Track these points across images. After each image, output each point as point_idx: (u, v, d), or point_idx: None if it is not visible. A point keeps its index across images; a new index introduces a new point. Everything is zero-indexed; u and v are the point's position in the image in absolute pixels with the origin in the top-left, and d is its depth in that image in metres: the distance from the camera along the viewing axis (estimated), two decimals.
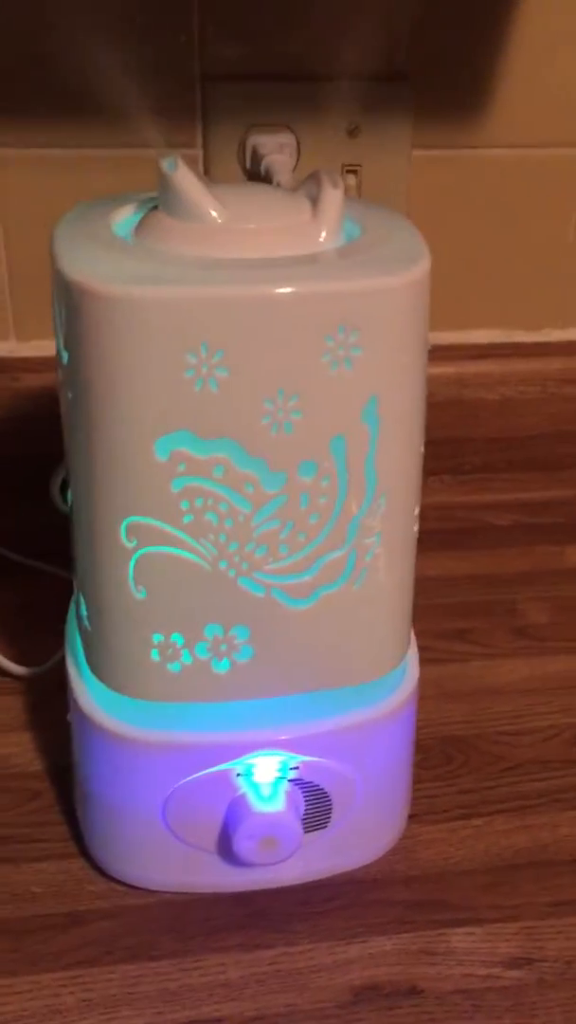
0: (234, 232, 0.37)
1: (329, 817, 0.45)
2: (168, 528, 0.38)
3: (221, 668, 0.40)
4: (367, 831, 0.46)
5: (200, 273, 0.36)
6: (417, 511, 0.42)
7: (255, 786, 0.43)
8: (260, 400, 0.36)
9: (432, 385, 0.70)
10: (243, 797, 0.42)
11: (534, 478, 0.74)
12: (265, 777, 0.43)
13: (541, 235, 0.71)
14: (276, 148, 0.64)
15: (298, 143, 0.64)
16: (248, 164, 0.64)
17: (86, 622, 0.42)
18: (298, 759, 0.43)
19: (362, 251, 0.38)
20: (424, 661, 0.49)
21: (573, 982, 0.43)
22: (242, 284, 0.35)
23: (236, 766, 0.42)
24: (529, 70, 0.66)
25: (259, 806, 0.42)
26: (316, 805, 0.44)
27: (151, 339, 0.35)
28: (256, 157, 0.63)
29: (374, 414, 0.38)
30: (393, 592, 0.42)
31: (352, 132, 0.65)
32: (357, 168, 0.66)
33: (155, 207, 0.39)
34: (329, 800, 0.44)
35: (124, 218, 0.41)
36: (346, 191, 0.66)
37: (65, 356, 0.38)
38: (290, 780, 0.43)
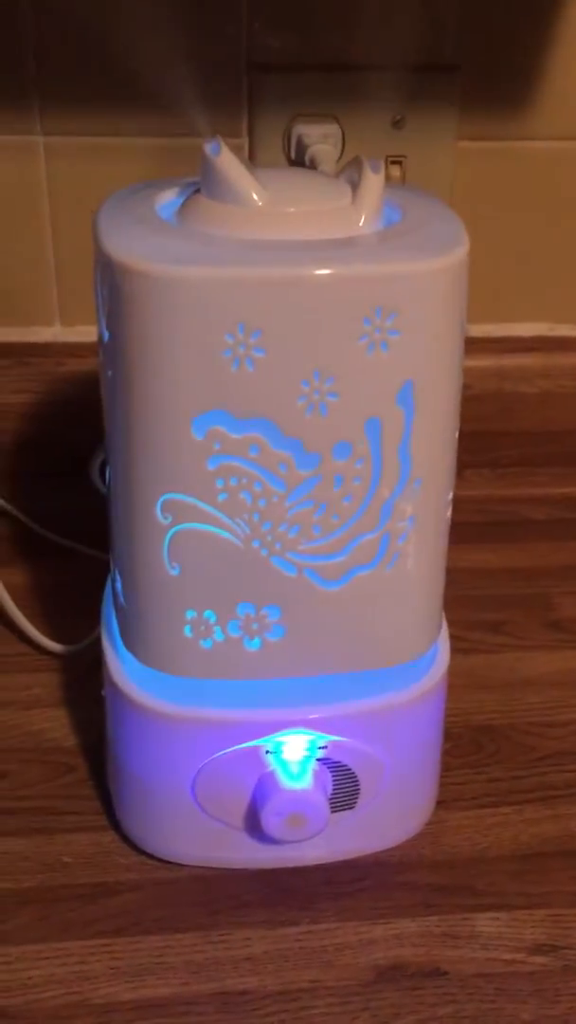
0: (274, 215, 0.38)
1: (357, 798, 0.45)
2: (203, 505, 0.39)
3: (252, 646, 0.41)
4: (394, 814, 0.47)
5: (239, 254, 0.36)
6: (451, 496, 0.42)
7: (284, 763, 0.43)
8: (296, 381, 0.37)
9: (472, 378, 0.71)
10: (272, 774, 0.43)
11: (572, 473, 0.73)
12: (294, 755, 0.43)
13: None
14: (321, 138, 0.64)
15: (343, 134, 0.65)
16: (293, 154, 0.65)
17: (121, 598, 0.43)
18: (327, 739, 0.43)
19: (401, 235, 0.39)
20: (457, 651, 0.49)
21: None
22: (280, 265, 0.36)
23: (265, 743, 0.43)
24: None
25: (287, 783, 0.43)
26: (344, 785, 0.44)
27: (189, 318, 0.36)
28: (301, 147, 0.64)
29: (409, 398, 0.38)
30: (425, 576, 0.42)
31: (397, 123, 0.65)
32: (402, 159, 0.66)
33: (197, 190, 0.40)
34: (357, 781, 0.45)
35: (167, 201, 0.41)
36: (390, 181, 0.66)
37: (106, 335, 0.39)
38: (318, 759, 0.44)
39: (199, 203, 0.39)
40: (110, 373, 0.39)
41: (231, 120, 0.65)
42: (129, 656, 0.43)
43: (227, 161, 0.38)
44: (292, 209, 0.38)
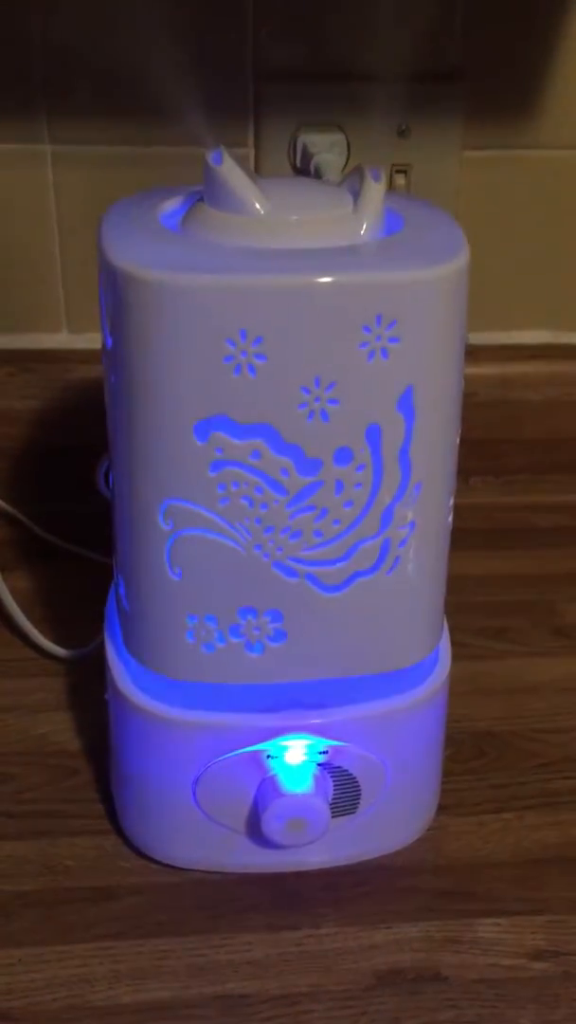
0: (276, 223, 0.38)
1: (358, 803, 0.45)
2: (204, 511, 0.39)
3: (254, 651, 0.41)
4: (396, 819, 0.47)
5: (240, 262, 0.37)
6: (451, 502, 0.43)
7: (285, 768, 0.43)
8: (297, 387, 0.37)
9: (476, 385, 0.71)
10: (273, 778, 0.43)
11: None
12: (295, 760, 0.43)
13: None
14: (326, 147, 0.64)
15: (348, 143, 0.65)
16: (298, 163, 0.65)
17: (124, 603, 0.43)
18: (328, 743, 0.43)
19: (402, 243, 0.39)
20: (461, 657, 0.49)
21: None
22: (281, 273, 0.36)
23: (266, 748, 0.43)
24: None
25: (288, 788, 0.43)
26: (345, 790, 0.45)
27: (191, 325, 0.36)
28: (306, 156, 0.64)
29: (409, 404, 0.38)
30: (426, 581, 0.42)
31: (402, 132, 0.65)
32: (407, 168, 0.67)
33: (201, 199, 0.40)
34: (358, 786, 0.45)
35: (170, 209, 0.42)
36: (395, 190, 0.67)
37: (109, 342, 0.39)
38: (319, 764, 0.44)
39: (202, 211, 0.39)
40: (113, 379, 0.39)
41: (237, 129, 0.65)
42: (132, 660, 0.44)
43: (229, 170, 0.39)
44: (294, 217, 0.39)
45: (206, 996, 0.42)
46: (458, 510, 0.44)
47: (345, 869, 0.47)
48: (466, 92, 0.65)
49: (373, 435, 0.38)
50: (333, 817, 0.44)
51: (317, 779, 0.43)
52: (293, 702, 0.43)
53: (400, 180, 0.67)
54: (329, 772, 0.44)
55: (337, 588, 0.40)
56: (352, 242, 0.39)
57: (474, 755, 0.53)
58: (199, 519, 0.39)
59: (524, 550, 0.68)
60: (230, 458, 0.38)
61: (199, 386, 0.37)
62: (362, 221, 0.39)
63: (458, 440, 0.42)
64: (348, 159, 0.65)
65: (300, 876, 0.46)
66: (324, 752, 0.44)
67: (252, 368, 0.37)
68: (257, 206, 0.38)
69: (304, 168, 0.65)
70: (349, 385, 0.37)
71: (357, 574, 0.40)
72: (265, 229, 0.38)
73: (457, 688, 0.48)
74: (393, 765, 0.45)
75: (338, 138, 0.65)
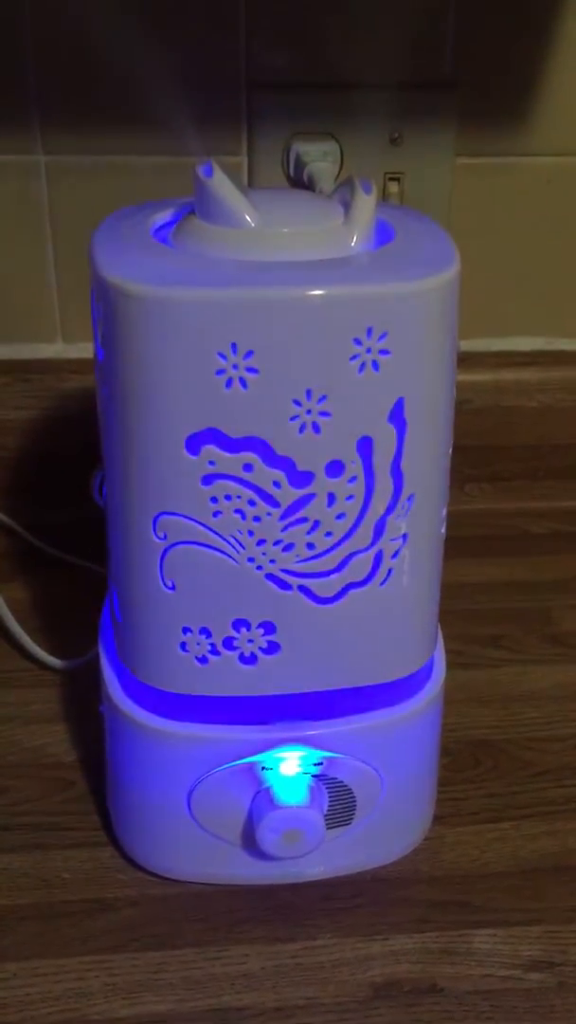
0: (267, 236, 0.38)
1: (353, 814, 0.45)
2: (197, 524, 0.39)
3: (247, 663, 0.41)
4: (391, 830, 0.47)
5: (231, 275, 0.37)
6: (444, 512, 0.43)
7: (280, 780, 0.43)
8: (288, 400, 0.37)
9: (470, 392, 0.71)
10: (268, 790, 0.43)
11: (572, 487, 0.73)
12: (290, 772, 0.43)
13: None
14: (320, 156, 0.64)
15: (341, 151, 0.65)
16: (292, 171, 0.65)
17: (117, 614, 0.43)
18: (323, 755, 0.43)
19: (392, 255, 0.39)
20: (456, 665, 0.49)
21: None
22: (272, 286, 0.36)
23: (261, 760, 0.43)
24: (574, 77, 0.66)
25: (283, 800, 0.43)
26: (340, 801, 0.45)
27: (182, 338, 0.36)
28: (299, 164, 0.64)
29: (401, 416, 0.38)
30: (419, 592, 0.42)
31: (395, 140, 0.65)
32: (400, 176, 0.67)
33: (192, 211, 0.40)
34: (353, 797, 0.45)
35: (161, 222, 0.42)
36: (389, 199, 0.67)
37: (101, 354, 0.39)
38: (314, 776, 0.44)
39: (193, 224, 0.40)
40: (105, 392, 0.39)
41: (230, 138, 0.65)
42: (126, 672, 0.44)
43: (220, 183, 0.39)
44: (285, 230, 0.39)
45: (202, 1009, 0.42)
46: (452, 517, 0.44)
47: (341, 880, 0.47)
48: (459, 100, 0.65)
49: (365, 447, 0.38)
50: (328, 829, 0.44)
51: (312, 791, 0.43)
52: (287, 714, 0.43)
53: (393, 188, 0.67)
54: (324, 784, 0.44)
55: (330, 600, 0.40)
56: (343, 254, 0.39)
57: (470, 764, 0.53)
58: (192, 532, 0.39)
59: (518, 557, 0.68)
60: (222, 471, 0.38)
61: (191, 399, 0.37)
62: (353, 233, 0.39)
63: (451, 451, 0.42)
64: (341, 167, 0.65)
65: (296, 888, 0.46)
66: (319, 764, 0.44)
67: (243, 381, 0.37)
68: (248, 219, 0.38)
69: (297, 177, 0.65)
70: (340, 397, 0.37)
71: (350, 586, 0.40)
72: (256, 242, 0.38)
73: (452, 696, 0.48)
74: (389, 776, 0.45)
75: (331, 147, 0.65)
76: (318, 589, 0.40)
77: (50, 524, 0.67)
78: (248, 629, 0.41)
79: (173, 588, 0.40)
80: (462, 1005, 0.42)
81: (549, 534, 0.70)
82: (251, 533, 0.39)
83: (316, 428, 0.38)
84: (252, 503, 0.38)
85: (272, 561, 0.39)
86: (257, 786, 0.43)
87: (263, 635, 0.41)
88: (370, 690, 0.43)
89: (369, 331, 0.36)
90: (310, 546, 0.39)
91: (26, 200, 0.66)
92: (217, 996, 0.42)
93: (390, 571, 0.41)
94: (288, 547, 0.39)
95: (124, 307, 0.36)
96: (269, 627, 0.41)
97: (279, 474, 0.38)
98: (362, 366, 0.37)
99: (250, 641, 0.41)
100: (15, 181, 0.65)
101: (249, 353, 0.36)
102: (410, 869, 0.47)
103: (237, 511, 0.39)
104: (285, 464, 0.38)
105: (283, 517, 0.39)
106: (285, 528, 0.39)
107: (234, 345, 0.36)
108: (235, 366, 0.36)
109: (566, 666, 0.60)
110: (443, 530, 0.43)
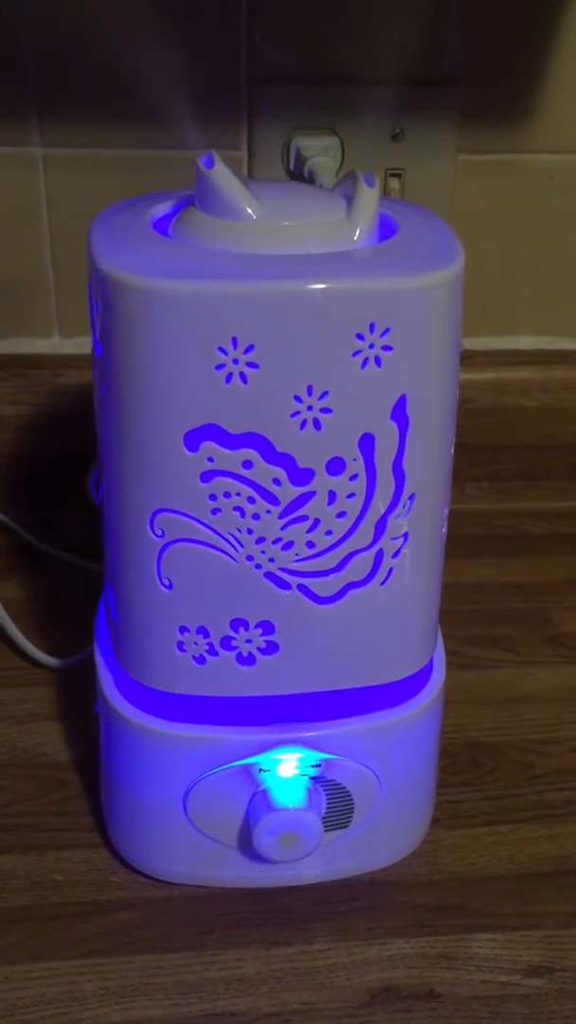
0: (268, 229, 0.38)
1: (351, 817, 0.45)
2: (195, 521, 0.38)
3: (245, 663, 0.41)
4: (389, 833, 0.46)
5: (232, 268, 0.36)
6: (446, 512, 0.42)
7: (277, 782, 0.43)
8: (289, 396, 0.36)
9: (472, 391, 0.71)
10: (265, 792, 0.43)
11: (573, 487, 0.73)
12: (287, 773, 0.43)
13: None
14: (320, 151, 0.64)
15: (342, 146, 0.64)
16: (292, 166, 0.65)
17: (113, 613, 0.43)
18: (321, 757, 0.43)
19: (395, 250, 0.39)
20: (455, 667, 0.49)
21: None
22: (273, 279, 0.36)
23: (258, 761, 0.42)
24: None
25: (280, 802, 0.42)
26: (338, 804, 0.44)
27: (181, 332, 0.35)
28: (300, 159, 0.64)
29: (403, 413, 0.38)
30: (420, 592, 0.42)
31: (396, 136, 0.65)
32: (401, 172, 0.66)
33: (192, 203, 0.40)
34: (351, 799, 0.44)
35: (161, 214, 0.41)
36: (389, 194, 0.66)
37: (99, 349, 0.38)
38: (312, 778, 0.43)
39: (193, 216, 0.39)
40: (103, 387, 0.39)
41: (231, 132, 0.64)
42: (121, 672, 0.43)
43: (220, 174, 0.38)
44: (286, 223, 0.38)
45: (196, 1014, 0.41)
46: (453, 516, 0.43)
47: (338, 884, 0.46)
48: (460, 96, 0.65)
49: (366, 445, 0.38)
50: (326, 831, 0.43)
51: (310, 793, 0.43)
52: (286, 715, 0.42)
53: (394, 184, 0.66)
54: (322, 786, 0.43)
55: (330, 600, 0.40)
56: (345, 248, 0.38)
57: (468, 767, 0.52)
58: (190, 529, 0.38)
59: (518, 557, 0.68)
60: (221, 468, 0.37)
61: (190, 395, 0.36)
62: (355, 227, 0.38)
63: (452, 450, 0.41)
64: (342, 163, 0.65)
65: (292, 891, 0.46)
66: (317, 765, 0.43)
67: (244, 376, 0.36)
68: (249, 211, 0.38)
69: (298, 172, 0.64)
70: (342, 394, 0.37)
71: (350, 585, 0.40)
72: (257, 234, 0.38)
73: (450, 698, 0.47)
74: (387, 779, 0.44)
75: (332, 142, 0.64)
76: (317, 588, 0.40)
77: (45, 521, 0.67)
78: (246, 629, 0.40)
79: (170, 587, 0.39)
80: (459, 1011, 0.42)
81: (549, 534, 0.70)
82: (250, 531, 0.38)
83: (317, 425, 0.37)
84: (251, 500, 0.38)
85: (271, 560, 0.39)
86: (254, 788, 0.43)
87: (261, 635, 0.40)
88: (369, 691, 0.43)
89: (372, 326, 0.36)
90: (310, 545, 0.39)
91: (23, 193, 0.65)
92: (212, 1001, 0.42)
93: (390, 571, 0.40)
94: (287, 545, 0.39)
95: (122, 300, 0.36)
96: (268, 627, 0.40)
97: (279, 471, 0.37)
98: (364, 362, 0.36)
99: (248, 641, 0.40)
100: (12, 173, 0.65)
101: (250, 348, 0.36)
102: (408, 873, 0.47)
103: (236, 508, 0.38)
104: (285, 461, 0.37)
105: (283, 515, 0.38)
106: (285, 526, 0.38)
107: (234, 339, 0.35)
108: (235, 361, 0.36)
109: (566, 668, 0.59)
110: (444, 529, 0.42)
